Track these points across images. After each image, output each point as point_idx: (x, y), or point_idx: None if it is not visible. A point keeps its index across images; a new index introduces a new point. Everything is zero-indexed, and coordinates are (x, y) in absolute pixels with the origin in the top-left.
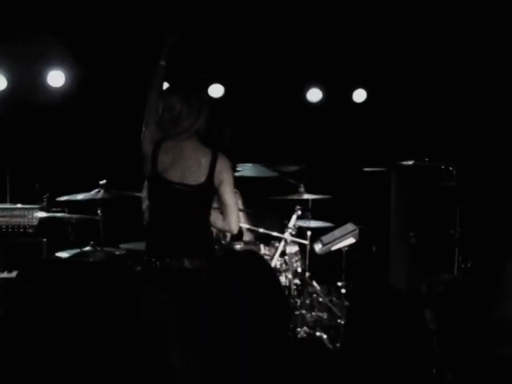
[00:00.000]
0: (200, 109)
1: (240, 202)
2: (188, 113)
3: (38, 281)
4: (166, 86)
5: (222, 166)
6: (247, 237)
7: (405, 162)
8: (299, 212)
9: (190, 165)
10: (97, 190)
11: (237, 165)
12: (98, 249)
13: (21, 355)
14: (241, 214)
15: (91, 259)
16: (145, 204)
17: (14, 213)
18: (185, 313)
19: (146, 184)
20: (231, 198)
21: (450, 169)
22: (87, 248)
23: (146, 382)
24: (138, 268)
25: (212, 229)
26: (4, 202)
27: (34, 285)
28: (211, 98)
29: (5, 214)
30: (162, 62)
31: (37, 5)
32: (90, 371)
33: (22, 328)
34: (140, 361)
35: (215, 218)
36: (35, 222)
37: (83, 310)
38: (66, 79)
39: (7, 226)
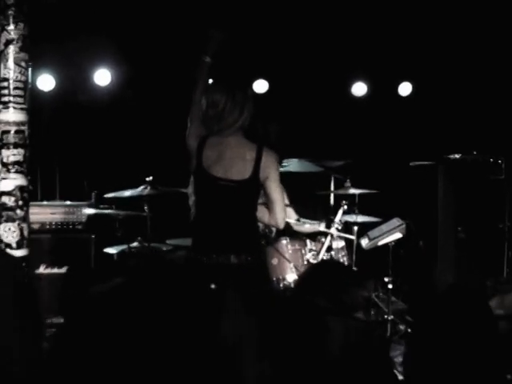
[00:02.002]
0: (244, 104)
1: (286, 197)
2: (232, 109)
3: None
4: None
5: (268, 160)
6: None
7: (452, 156)
8: (345, 207)
9: (235, 160)
10: (143, 187)
11: (283, 160)
12: (145, 245)
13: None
14: (289, 209)
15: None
16: (191, 200)
17: (64, 210)
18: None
19: (191, 180)
20: (277, 193)
21: (499, 162)
22: (134, 244)
23: None
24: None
25: (258, 224)
26: (53, 199)
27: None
28: (256, 94)
29: (54, 210)
30: (207, 59)
31: (83, 4)
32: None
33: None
34: (214, 369)
35: (262, 213)
36: (84, 219)
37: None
38: (111, 78)
39: (56, 223)
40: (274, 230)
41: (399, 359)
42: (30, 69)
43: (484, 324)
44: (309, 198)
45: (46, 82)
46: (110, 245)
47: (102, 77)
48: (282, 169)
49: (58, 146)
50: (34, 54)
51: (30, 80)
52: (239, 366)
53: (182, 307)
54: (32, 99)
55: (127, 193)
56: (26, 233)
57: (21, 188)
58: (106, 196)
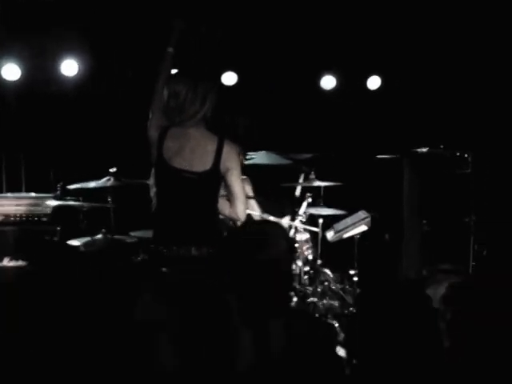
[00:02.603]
0: (205, 95)
1: (250, 189)
2: (193, 100)
3: None
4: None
5: (229, 152)
6: None
7: (419, 150)
8: (310, 199)
9: (195, 152)
10: (107, 178)
11: (247, 153)
12: (109, 237)
13: None
14: (252, 201)
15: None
16: (152, 191)
17: (29, 201)
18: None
19: (153, 171)
20: (238, 186)
21: (465, 156)
22: (98, 236)
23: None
24: (146, 256)
25: (220, 216)
26: (19, 190)
27: None
28: (225, 86)
29: (19, 202)
30: (170, 49)
31: None
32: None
33: None
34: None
35: (223, 206)
36: (49, 211)
37: None
38: (79, 68)
39: (21, 215)
40: (238, 222)
41: None
42: None
43: (421, 314)
44: (275, 190)
45: (11, 71)
46: (75, 237)
47: (69, 67)
48: (249, 161)
49: (24, 136)
50: None
51: None
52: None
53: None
54: None
55: (92, 184)
56: None
57: None
58: (70, 187)
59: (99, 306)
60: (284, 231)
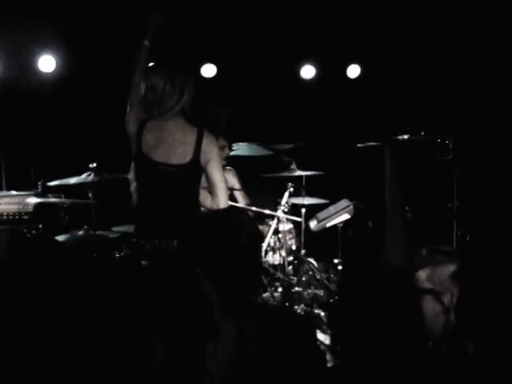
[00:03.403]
0: (183, 87)
1: (236, 181)
2: (171, 92)
3: None
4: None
5: (209, 144)
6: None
7: (400, 137)
8: (291, 189)
9: (175, 144)
10: (87, 174)
11: (232, 144)
12: (91, 233)
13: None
14: (239, 193)
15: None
16: (133, 186)
17: (10, 200)
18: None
19: (132, 165)
20: (219, 177)
21: (446, 142)
22: (80, 232)
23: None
24: (128, 251)
25: (202, 209)
26: (0, 189)
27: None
28: (204, 78)
29: (0, 201)
30: (146, 42)
31: None
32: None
33: None
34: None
35: (204, 198)
36: (30, 209)
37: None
38: (56, 64)
39: (2, 214)
40: None
41: None
42: None
43: (405, 298)
44: (257, 181)
45: None
46: (56, 234)
47: (47, 63)
48: (231, 153)
49: (3, 135)
50: None
51: None
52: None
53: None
54: None
55: (72, 180)
56: None
57: None
58: (51, 184)
59: (84, 301)
60: (250, 218)
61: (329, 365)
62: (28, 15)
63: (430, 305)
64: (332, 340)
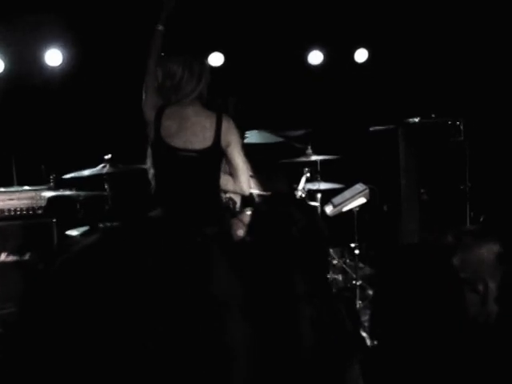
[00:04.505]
0: (201, 73)
1: (248, 168)
2: (189, 79)
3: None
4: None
5: (228, 127)
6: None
7: (411, 120)
8: (308, 174)
9: (194, 130)
10: (102, 165)
11: (245, 132)
12: (108, 224)
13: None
14: (252, 180)
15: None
16: (150, 173)
17: (22, 195)
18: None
19: (149, 152)
20: (240, 159)
21: (457, 123)
22: (97, 224)
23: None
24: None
25: (222, 196)
26: (11, 185)
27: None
28: (212, 67)
29: (12, 197)
30: (160, 27)
31: None
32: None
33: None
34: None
35: (225, 182)
36: (44, 203)
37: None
38: (63, 57)
39: (16, 209)
40: (238, 201)
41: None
42: None
43: (446, 285)
44: (271, 168)
45: None
46: (72, 227)
47: (54, 57)
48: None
49: (12, 130)
50: None
51: None
52: (226, 326)
53: (169, 263)
54: None
55: (86, 172)
56: None
57: None
58: (64, 177)
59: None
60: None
61: (367, 346)
62: (33, 9)
63: (467, 296)
64: (372, 322)
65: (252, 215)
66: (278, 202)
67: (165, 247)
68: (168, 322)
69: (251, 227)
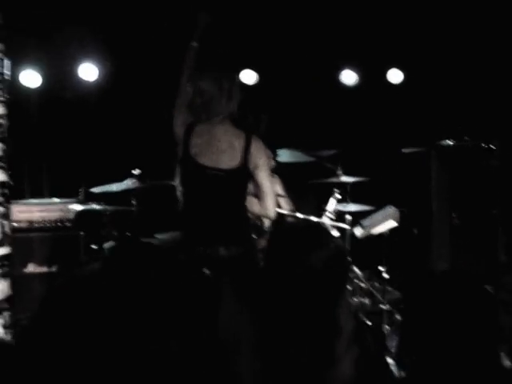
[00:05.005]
0: (231, 91)
1: (279, 188)
2: (220, 97)
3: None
4: None
5: (257, 149)
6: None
7: (444, 142)
8: (337, 195)
9: (223, 149)
10: (131, 180)
11: (276, 151)
12: (133, 239)
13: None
14: (283, 199)
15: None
16: (179, 191)
17: (52, 207)
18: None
19: (177, 170)
20: (267, 182)
21: (492, 147)
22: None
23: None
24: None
25: (249, 215)
26: (42, 196)
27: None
28: (245, 85)
29: (42, 208)
30: (194, 44)
31: None
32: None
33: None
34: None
35: (251, 203)
36: (72, 216)
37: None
38: (98, 72)
39: (45, 221)
40: (265, 221)
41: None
42: (6, 60)
43: (483, 309)
44: (301, 188)
45: (30, 77)
46: (99, 241)
47: (88, 71)
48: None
49: (46, 142)
50: (17, 49)
51: (9, 72)
52: (235, 362)
53: (176, 294)
54: (17, 95)
55: (114, 187)
56: (7, 230)
57: (1, 184)
58: (93, 191)
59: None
60: (330, 234)
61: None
62: (68, 24)
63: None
64: (400, 351)
65: (268, 239)
66: (296, 227)
67: (172, 282)
68: (169, 362)
69: (266, 253)
